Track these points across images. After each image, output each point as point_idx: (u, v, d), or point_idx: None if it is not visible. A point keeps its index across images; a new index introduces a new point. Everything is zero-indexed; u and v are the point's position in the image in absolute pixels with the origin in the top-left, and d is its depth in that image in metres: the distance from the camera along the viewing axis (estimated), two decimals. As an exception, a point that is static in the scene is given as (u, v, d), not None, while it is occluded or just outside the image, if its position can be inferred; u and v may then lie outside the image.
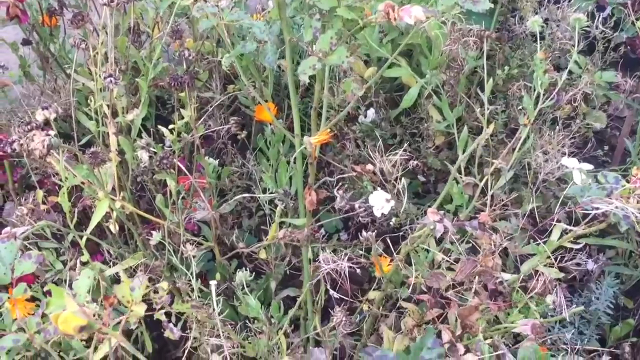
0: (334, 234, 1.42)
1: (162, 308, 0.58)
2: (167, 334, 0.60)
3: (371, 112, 1.37)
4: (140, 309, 0.50)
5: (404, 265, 0.77)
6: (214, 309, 0.71)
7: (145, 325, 1.23)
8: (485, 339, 0.71)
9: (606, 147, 1.55)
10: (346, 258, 0.75)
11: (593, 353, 1.16)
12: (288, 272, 1.24)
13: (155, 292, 0.61)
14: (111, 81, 0.82)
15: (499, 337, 0.70)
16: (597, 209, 0.62)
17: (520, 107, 1.19)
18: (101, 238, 1.09)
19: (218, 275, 1.15)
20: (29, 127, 0.77)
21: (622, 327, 1.15)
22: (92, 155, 0.85)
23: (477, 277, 0.71)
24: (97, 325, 0.44)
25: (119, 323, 0.52)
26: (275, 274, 1.20)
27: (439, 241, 0.99)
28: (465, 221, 0.71)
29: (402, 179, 0.81)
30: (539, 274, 0.84)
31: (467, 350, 0.69)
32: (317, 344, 1.06)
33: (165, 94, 1.48)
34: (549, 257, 0.77)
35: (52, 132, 0.75)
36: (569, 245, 0.77)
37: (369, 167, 0.84)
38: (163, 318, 0.59)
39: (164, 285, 0.55)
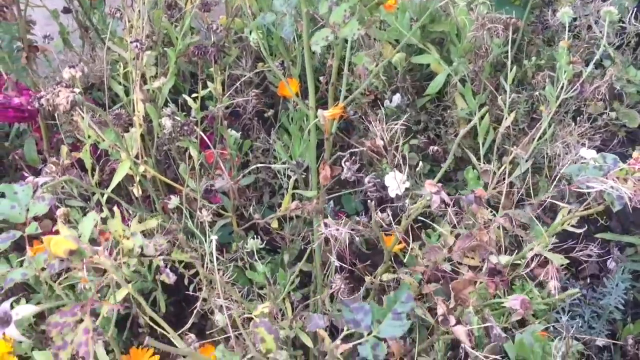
0: (352, 215, 1.45)
1: (161, 254, 0.61)
2: (162, 277, 0.63)
3: (397, 97, 1.39)
4: (131, 243, 0.54)
5: (404, 239, 0.79)
6: (225, 270, 0.74)
7: (163, 290, 1.28)
8: (478, 313, 0.72)
9: (638, 147, 1.52)
10: (347, 225, 0.77)
11: (604, 350, 1.15)
12: (303, 248, 1.27)
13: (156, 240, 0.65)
14: (137, 46, 0.86)
15: (488, 311, 0.71)
16: (591, 187, 0.62)
17: (543, 96, 1.18)
18: (127, 202, 1.14)
19: (234, 246, 1.19)
20: (59, 85, 0.82)
21: (635, 325, 1.14)
22: (116, 116, 0.89)
23: (473, 252, 0.72)
24: (89, 253, 0.47)
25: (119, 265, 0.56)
26: (291, 249, 1.23)
27: (454, 226, 1.01)
28: (462, 195, 0.72)
29: (405, 152, 0.82)
30: (540, 259, 0.84)
31: (458, 322, 0.70)
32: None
33: (199, 70, 1.52)
34: (553, 238, 0.77)
35: (77, 90, 0.80)
36: (570, 229, 0.78)
37: (379, 141, 0.86)
38: (161, 264, 0.62)
39: (151, 223, 0.58)
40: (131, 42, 0.89)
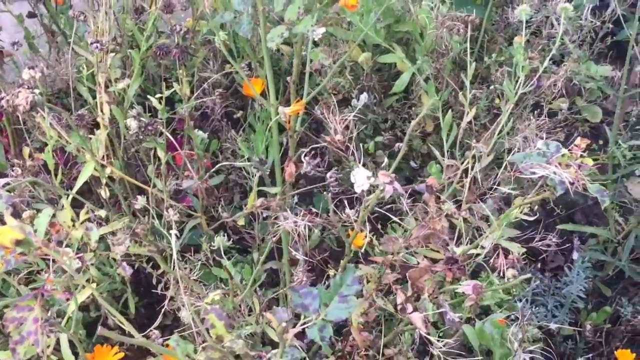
0: (323, 214, 1.46)
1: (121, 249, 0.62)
2: (119, 271, 0.64)
3: (364, 96, 1.41)
4: (79, 233, 0.55)
5: (359, 229, 0.80)
6: (174, 263, 0.75)
7: (134, 292, 1.28)
8: (434, 301, 0.74)
9: (601, 142, 1.56)
10: (306, 218, 0.78)
11: (569, 339, 1.18)
12: (275, 248, 1.28)
13: (114, 234, 0.65)
14: (97, 47, 0.87)
15: (443, 297, 0.73)
16: (535, 173, 0.64)
17: (502, 92, 1.21)
18: (95, 205, 1.14)
19: (204, 246, 1.20)
20: (20, 87, 0.83)
21: (598, 314, 1.17)
22: (78, 118, 0.90)
23: (428, 241, 0.74)
24: (36, 244, 0.48)
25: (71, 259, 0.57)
26: (262, 249, 1.24)
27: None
28: (415, 185, 0.74)
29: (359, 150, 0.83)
30: (499, 250, 0.86)
31: (415, 310, 0.72)
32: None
33: (168, 73, 1.53)
34: (515, 229, 0.79)
35: (37, 91, 0.80)
36: (523, 217, 0.80)
37: (338, 137, 0.87)
38: (118, 257, 0.63)
39: (101, 213, 0.59)
40: (91, 44, 0.90)
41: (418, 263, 0.76)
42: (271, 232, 1.19)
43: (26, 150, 0.97)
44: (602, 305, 1.20)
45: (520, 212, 0.77)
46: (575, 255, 1.28)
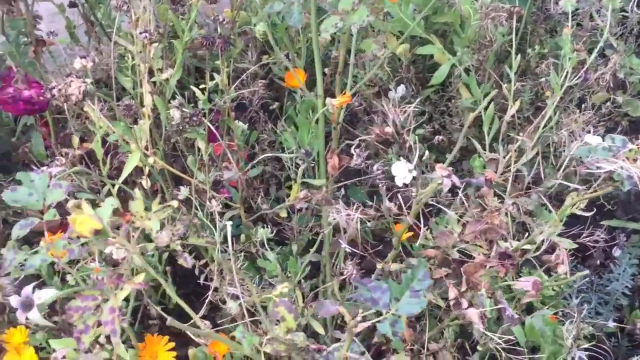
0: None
1: (179, 239, 0.62)
2: (180, 261, 0.64)
3: (401, 88, 1.39)
4: (153, 224, 0.55)
5: (412, 221, 0.79)
6: (226, 252, 0.75)
7: (172, 283, 1.29)
8: (490, 296, 0.73)
9: (640, 136, 1.53)
10: (359, 210, 0.77)
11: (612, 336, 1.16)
12: (311, 239, 1.28)
13: (174, 226, 0.65)
14: (146, 36, 0.87)
15: (501, 293, 0.72)
16: (601, 168, 0.63)
17: (547, 85, 1.19)
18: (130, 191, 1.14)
19: (243, 237, 1.20)
20: (70, 77, 0.83)
21: (641, 311, 1.15)
22: (125, 107, 0.89)
23: (485, 236, 0.73)
24: (112, 234, 0.48)
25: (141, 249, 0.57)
26: (299, 241, 1.24)
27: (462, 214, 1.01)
28: (473, 178, 0.73)
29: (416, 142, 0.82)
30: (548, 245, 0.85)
31: (470, 305, 0.71)
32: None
33: (204, 64, 1.53)
34: (561, 224, 0.78)
35: (89, 80, 0.80)
36: (579, 212, 0.78)
37: (388, 129, 0.86)
38: (178, 248, 0.63)
39: (173, 203, 0.59)
40: (140, 33, 0.90)
41: (471, 258, 0.75)
42: (318, 224, 1.20)
43: (75, 139, 0.97)
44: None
45: (577, 208, 0.76)
46: (617, 252, 1.26)
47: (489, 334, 0.67)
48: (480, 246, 0.74)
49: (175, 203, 0.56)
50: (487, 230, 0.72)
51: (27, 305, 0.55)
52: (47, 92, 0.81)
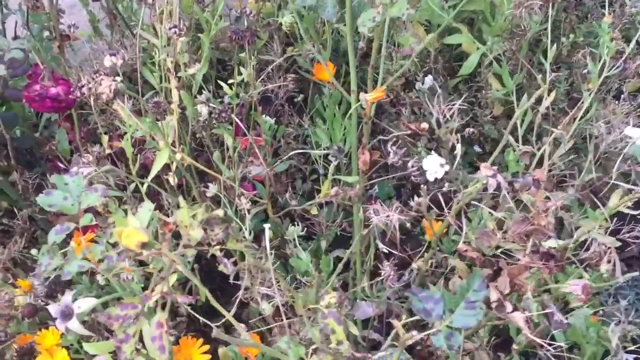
0: (385, 201, 1.43)
1: (217, 244, 0.60)
2: (221, 268, 0.62)
3: (429, 79, 1.36)
4: (197, 233, 0.53)
5: (454, 222, 0.77)
6: (267, 256, 0.73)
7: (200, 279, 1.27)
8: (534, 299, 0.70)
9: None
10: (397, 210, 0.75)
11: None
12: (339, 235, 1.26)
13: (212, 230, 0.64)
14: (175, 32, 0.85)
15: (548, 297, 0.69)
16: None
17: (583, 75, 1.16)
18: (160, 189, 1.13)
19: (270, 233, 1.18)
20: (97, 73, 0.81)
21: (681, 307, 1.12)
22: (155, 105, 0.88)
23: (528, 236, 0.70)
24: (158, 245, 0.46)
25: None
26: (326, 236, 1.22)
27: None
28: (519, 178, 0.70)
29: (459, 142, 0.80)
30: (591, 242, 0.83)
31: (515, 309, 0.69)
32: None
33: (226, 56, 1.50)
34: (605, 221, 0.75)
35: (119, 78, 0.79)
36: (626, 210, 0.76)
37: (424, 125, 0.84)
38: (218, 254, 0.62)
39: (219, 212, 0.57)
40: (169, 29, 0.88)
41: (509, 257, 0.73)
42: (346, 219, 1.17)
43: (104, 139, 0.96)
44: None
45: (624, 205, 0.73)
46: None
47: (537, 340, 0.65)
48: (523, 247, 0.72)
49: (220, 212, 0.54)
50: (533, 231, 0.69)
51: (67, 315, 0.54)
52: (77, 90, 0.79)
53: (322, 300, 0.95)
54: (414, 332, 0.51)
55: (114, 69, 0.81)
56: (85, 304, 0.53)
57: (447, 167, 1.00)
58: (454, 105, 0.78)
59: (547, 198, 0.68)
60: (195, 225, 0.49)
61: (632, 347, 0.76)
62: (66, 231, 0.62)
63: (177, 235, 0.88)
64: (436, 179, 1.01)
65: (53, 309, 0.55)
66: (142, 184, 0.92)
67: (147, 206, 0.55)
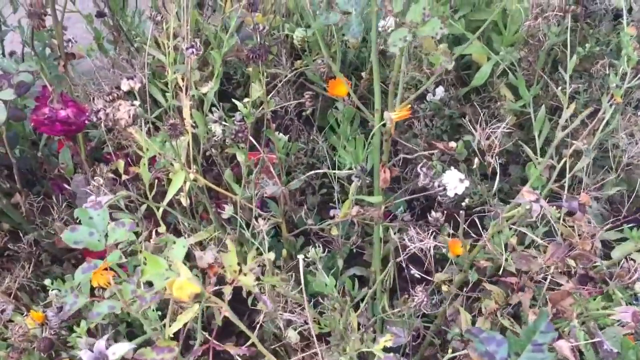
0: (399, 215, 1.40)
1: (256, 280, 0.57)
2: (260, 306, 0.59)
3: (440, 90, 1.34)
4: (249, 280, 0.50)
5: (492, 247, 0.75)
6: (299, 283, 0.70)
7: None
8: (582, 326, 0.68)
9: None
10: (432, 236, 0.73)
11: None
12: (354, 251, 1.23)
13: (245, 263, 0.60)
14: (193, 52, 0.82)
15: (594, 324, 0.67)
16: None
17: (604, 86, 1.14)
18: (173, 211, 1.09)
19: (284, 252, 1.15)
20: (112, 97, 0.77)
21: None
22: (171, 127, 0.84)
23: (572, 260, 0.68)
24: (207, 294, 0.43)
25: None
26: (342, 253, 1.19)
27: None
28: (563, 202, 0.68)
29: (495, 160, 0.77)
30: (627, 261, 0.80)
31: (560, 337, 0.66)
32: (385, 324, 1.05)
33: (231, 70, 1.47)
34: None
35: (137, 102, 0.75)
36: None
37: (452, 144, 0.81)
38: (255, 290, 0.58)
39: (270, 255, 0.54)
40: (187, 49, 0.85)
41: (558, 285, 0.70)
42: (361, 235, 1.15)
43: (120, 164, 0.92)
44: None
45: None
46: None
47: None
48: (565, 272, 0.70)
49: (272, 255, 0.51)
50: (577, 256, 0.67)
51: (101, 362, 0.50)
52: (93, 116, 0.76)
53: (354, 333, 0.93)
54: None
55: (132, 93, 0.77)
56: (120, 349, 0.50)
57: (467, 183, 0.97)
58: (498, 129, 0.75)
59: (589, 222, 0.66)
60: (246, 270, 0.46)
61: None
62: (93, 269, 0.58)
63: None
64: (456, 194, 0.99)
65: (86, 356, 0.52)
66: (157, 207, 0.89)
67: (181, 243, 0.52)
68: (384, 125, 0.89)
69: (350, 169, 1.02)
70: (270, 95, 1.13)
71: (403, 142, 1.29)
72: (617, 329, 0.90)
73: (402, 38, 0.69)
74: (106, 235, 0.60)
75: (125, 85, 0.75)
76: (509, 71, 1.21)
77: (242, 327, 0.54)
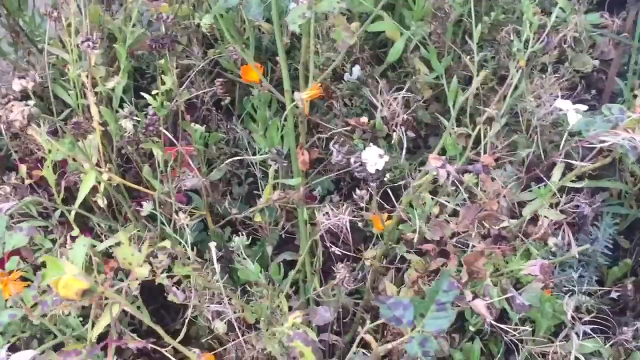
0: (325, 196, 1.40)
1: (162, 272, 0.55)
2: (170, 297, 0.58)
3: (357, 69, 1.34)
4: (144, 271, 0.48)
5: (406, 216, 0.75)
6: (214, 274, 0.69)
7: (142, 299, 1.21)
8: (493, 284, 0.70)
9: (594, 91, 1.54)
10: (347, 211, 0.73)
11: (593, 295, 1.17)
12: (283, 237, 1.22)
13: (155, 257, 0.59)
14: (89, 45, 0.78)
15: (506, 281, 0.69)
16: (604, 142, 0.60)
17: (510, 52, 1.17)
18: (89, 214, 1.06)
19: (213, 244, 1.13)
20: (6, 98, 0.74)
21: (620, 267, 1.16)
22: (74, 126, 0.81)
23: (480, 222, 0.69)
24: (100, 289, 0.41)
25: (120, 290, 0.50)
26: (270, 239, 1.18)
27: (434, 194, 0.98)
28: (468, 165, 0.69)
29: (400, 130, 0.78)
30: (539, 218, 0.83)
31: (475, 296, 0.68)
32: (317, 305, 1.05)
33: (144, 64, 1.43)
34: (553, 196, 0.76)
35: (31, 102, 0.72)
36: (570, 185, 0.76)
37: (363, 119, 0.82)
38: (166, 282, 0.57)
39: (166, 244, 0.52)
40: (82, 42, 0.81)
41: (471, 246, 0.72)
42: (289, 220, 1.14)
43: (22, 169, 0.88)
44: (622, 258, 1.19)
45: (570, 180, 0.73)
46: (586, 211, 1.26)
47: (502, 326, 0.64)
48: (478, 233, 0.71)
49: (168, 243, 0.50)
50: (486, 216, 0.69)
51: (3, 374, 0.48)
52: (-15, 120, 0.72)
53: (283, 317, 0.92)
54: (389, 345, 0.49)
55: (26, 93, 0.74)
56: (22, 357, 0.48)
57: (386, 158, 0.98)
58: (398, 95, 0.76)
59: (493, 179, 0.68)
60: (140, 261, 0.45)
61: (587, 318, 0.76)
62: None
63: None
64: (377, 170, 1.00)
65: (-15, 368, 0.50)
66: (69, 211, 0.85)
67: (81, 241, 0.50)
68: (297, 107, 0.89)
69: (265, 153, 1.01)
70: (184, 86, 1.11)
71: (324, 124, 1.29)
72: (537, 284, 0.93)
73: (301, 15, 0.69)
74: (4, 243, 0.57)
75: (16, 85, 0.71)
76: (420, 45, 1.23)
77: (147, 321, 0.53)
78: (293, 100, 0.83)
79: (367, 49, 1.37)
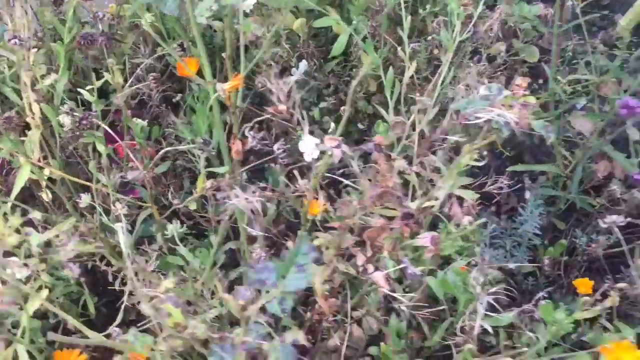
0: (277, 185, 1.44)
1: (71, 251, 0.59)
2: (66, 272, 0.62)
3: (303, 64, 1.38)
4: (14, 239, 0.52)
5: (315, 197, 0.79)
6: (129, 257, 0.73)
7: (93, 292, 1.25)
8: (394, 257, 0.73)
9: (540, 81, 1.58)
10: (256, 194, 0.76)
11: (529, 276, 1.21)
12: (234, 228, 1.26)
13: (57, 236, 0.63)
14: (15, 42, 0.82)
15: (402, 253, 0.73)
16: (479, 118, 0.64)
17: (441, 43, 1.21)
18: (39, 209, 1.09)
19: (159, 237, 1.17)
20: None
21: (555, 248, 1.19)
22: (6, 120, 0.85)
23: (381, 199, 0.73)
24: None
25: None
26: (219, 230, 1.22)
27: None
28: (362, 145, 0.73)
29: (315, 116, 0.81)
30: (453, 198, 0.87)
31: (376, 269, 0.72)
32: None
33: (98, 65, 1.47)
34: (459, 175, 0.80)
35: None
36: (474, 163, 0.80)
37: (282, 107, 0.86)
38: (63, 259, 0.61)
39: (35, 214, 0.56)
40: (9, 40, 0.85)
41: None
42: (224, 212, 1.18)
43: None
44: (558, 239, 1.23)
45: (471, 159, 0.77)
46: (527, 195, 1.30)
47: (395, 295, 0.68)
48: (394, 209, 0.75)
49: (38, 214, 0.53)
50: (382, 193, 0.72)
51: None
52: None
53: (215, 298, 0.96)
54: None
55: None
56: None
57: (322, 147, 1.02)
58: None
59: (391, 160, 0.72)
60: (10, 231, 0.48)
61: (493, 289, 0.80)
62: None
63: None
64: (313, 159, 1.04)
65: None
66: (5, 202, 0.89)
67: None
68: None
69: (192, 143, 1.04)
70: (128, 83, 1.15)
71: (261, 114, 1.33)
72: (460, 262, 0.97)
73: (208, 8, 0.72)
74: None
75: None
76: (356, 38, 1.27)
77: (54, 308, 0.57)
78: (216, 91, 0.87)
79: (312, 45, 1.41)
